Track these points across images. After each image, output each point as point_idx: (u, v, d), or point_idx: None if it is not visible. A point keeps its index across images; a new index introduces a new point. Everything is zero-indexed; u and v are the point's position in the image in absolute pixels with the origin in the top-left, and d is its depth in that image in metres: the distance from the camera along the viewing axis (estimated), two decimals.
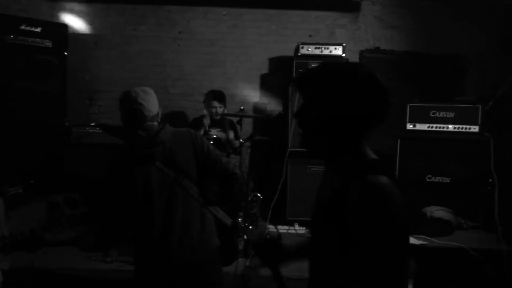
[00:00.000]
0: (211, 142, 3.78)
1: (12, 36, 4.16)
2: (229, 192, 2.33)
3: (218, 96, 4.38)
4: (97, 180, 2.26)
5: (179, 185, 2.11)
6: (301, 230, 4.15)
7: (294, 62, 4.43)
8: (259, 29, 5.14)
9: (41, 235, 2.76)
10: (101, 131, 4.33)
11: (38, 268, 2.96)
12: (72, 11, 5.08)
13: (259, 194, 4.08)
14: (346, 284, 1.13)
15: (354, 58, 5.04)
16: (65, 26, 4.58)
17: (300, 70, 4.35)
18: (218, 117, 4.38)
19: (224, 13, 5.15)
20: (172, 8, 5.15)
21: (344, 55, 4.44)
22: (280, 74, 4.94)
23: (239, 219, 3.64)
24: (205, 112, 4.43)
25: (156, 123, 2.20)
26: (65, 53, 4.49)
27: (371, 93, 1.21)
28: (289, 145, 4.24)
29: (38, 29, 4.30)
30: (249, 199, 3.93)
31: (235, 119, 4.29)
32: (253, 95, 5.14)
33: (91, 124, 4.55)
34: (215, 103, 4.34)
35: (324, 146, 1.28)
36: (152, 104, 2.17)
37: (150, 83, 5.06)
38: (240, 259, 3.24)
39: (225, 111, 4.44)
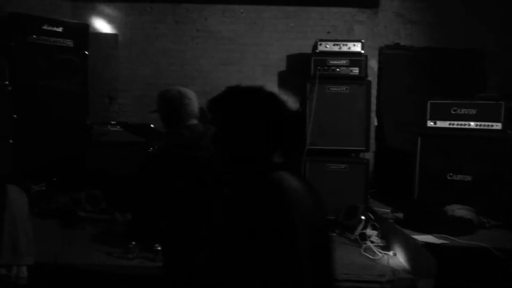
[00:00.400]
0: None
1: (34, 36, 4.25)
2: None
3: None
4: (135, 175, 2.26)
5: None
6: None
7: (312, 59, 4.40)
8: (278, 26, 5.13)
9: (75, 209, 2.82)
10: (121, 129, 4.39)
11: (62, 264, 3.02)
12: (93, 11, 5.16)
13: None
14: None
15: (373, 54, 4.99)
16: (86, 26, 4.66)
17: (319, 67, 4.33)
18: None
19: (242, 10, 5.15)
20: (190, 6, 5.18)
21: (363, 51, 4.39)
22: (298, 72, 4.92)
23: None
24: None
25: (197, 122, 2.19)
26: (86, 52, 4.57)
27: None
28: (307, 143, 4.23)
29: (60, 29, 4.39)
30: None
31: None
32: None
33: (112, 122, 4.62)
34: None
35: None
36: (195, 104, 2.19)
37: (169, 81, 5.15)
38: None
39: None
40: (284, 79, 5.16)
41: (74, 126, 4.47)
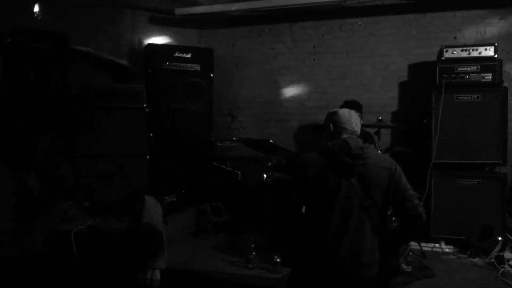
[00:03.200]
0: None
1: (167, 63, 4.73)
2: (408, 233, 2.35)
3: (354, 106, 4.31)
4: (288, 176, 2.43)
5: (363, 208, 2.14)
6: (448, 248, 3.79)
7: (438, 67, 4.13)
8: (397, 35, 4.93)
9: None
10: (242, 144, 4.60)
11: (189, 270, 3.25)
12: (216, 36, 5.56)
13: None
14: None
15: (509, 58, 4.48)
16: (210, 51, 5.04)
17: (445, 75, 4.05)
18: None
19: (359, 23, 5.07)
20: (306, 24, 5.27)
21: (496, 55, 3.99)
22: (422, 81, 4.64)
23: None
24: None
25: (358, 137, 2.33)
26: (211, 75, 4.93)
27: None
28: (433, 156, 3.94)
29: (189, 55, 4.82)
30: (389, 213, 3.74)
31: (372, 130, 4.16)
32: (391, 105, 4.93)
33: (233, 138, 4.88)
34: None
35: None
36: (359, 127, 2.39)
37: (286, 98, 5.28)
38: None
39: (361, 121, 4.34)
40: (405, 90, 4.91)
41: (200, 143, 4.84)
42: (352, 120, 2.35)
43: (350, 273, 2.12)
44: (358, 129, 2.36)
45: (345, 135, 2.30)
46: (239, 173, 4.19)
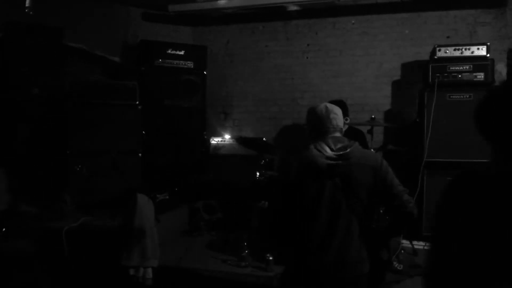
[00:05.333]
0: None
1: (160, 60, 4.71)
2: (399, 229, 2.38)
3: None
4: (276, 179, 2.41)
5: (348, 206, 2.12)
6: None
7: (430, 66, 4.15)
8: (390, 34, 4.95)
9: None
10: (235, 142, 4.60)
11: (181, 268, 3.24)
12: (210, 33, 5.55)
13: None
14: None
15: (501, 57, 4.53)
16: (204, 48, 5.02)
17: (437, 74, 4.06)
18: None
19: (353, 21, 5.08)
20: (300, 23, 5.27)
21: (488, 55, 4.01)
22: (414, 80, 4.67)
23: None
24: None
25: (342, 134, 2.29)
26: (205, 72, 4.91)
27: None
28: (425, 155, 3.96)
29: (182, 52, 4.80)
30: (381, 211, 3.76)
31: (365, 129, 4.17)
32: (384, 103, 4.95)
33: (227, 136, 4.88)
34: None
35: None
36: (340, 119, 2.30)
37: (280, 96, 5.28)
38: None
39: (348, 120, 4.37)
40: (398, 89, 4.94)
41: (193, 140, 4.82)
42: (331, 116, 2.26)
43: (339, 273, 2.10)
44: (340, 123, 2.28)
45: (326, 134, 2.24)
46: (264, 139, 4.13)
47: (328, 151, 2.16)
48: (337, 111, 2.31)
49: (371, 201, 2.17)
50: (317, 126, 2.27)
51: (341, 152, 2.15)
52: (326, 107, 2.29)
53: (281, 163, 2.26)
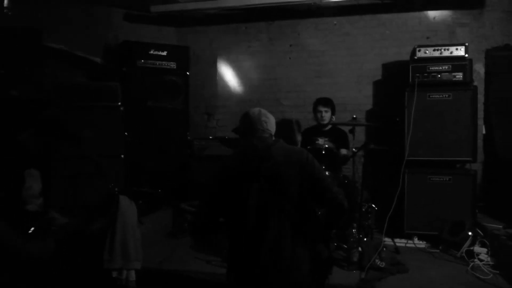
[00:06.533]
0: (323, 152, 3.81)
1: (142, 61, 4.68)
2: (333, 222, 2.38)
3: (323, 101, 4.40)
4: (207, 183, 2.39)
5: (276, 206, 2.08)
6: (420, 244, 3.88)
7: (411, 66, 4.21)
8: (372, 35, 5.01)
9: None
10: (219, 143, 4.59)
11: (165, 269, 3.23)
12: (193, 34, 5.52)
13: (373, 205, 3.94)
14: None
15: (479, 57, 4.62)
16: (186, 48, 5.00)
17: (418, 74, 4.13)
18: (325, 122, 4.37)
19: (335, 22, 5.13)
20: (283, 23, 5.29)
21: (467, 55, 4.09)
22: (395, 80, 4.73)
23: (353, 231, 3.55)
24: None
25: (269, 136, 2.29)
26: (187, 73, 4.89)
27: None
28: (407, 154, 4.02)
29: (164, 53, 4.77)
30: (363, 209, 3.81)
31: (347, 128, 4.21)
32: (365, 103, 5.01)
33: (210, 137, 4.87)
34: (320, 107, 4.38)
35: None
36: (271, 124, 2.33)
37: (263, 96, 5.29)
38: (354, 271, 3.16)
39: (333, 119, 4.41)
40: (380, 89, 5.00)
41: (177, 141, 4.80)
42: (262, 118, 2.28)
43: (274, 280, 2.04)
44: (270, 127, 2.30)
45: (254, 136, 2.24)
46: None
47: (253, 153, 2.16)
48: (270, 117, 2.34)
49: (303, 198, 2.12)
50: (249, 128, 2.28)
51: (265, 153, 2.14)
52: (260, 111, 2.33)
53: (217, 165, 2.25)
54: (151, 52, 4.70)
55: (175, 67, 4.81)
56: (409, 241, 3.94)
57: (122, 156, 4.15)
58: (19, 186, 2.64)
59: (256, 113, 2.31)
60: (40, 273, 2.64)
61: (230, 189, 2.14)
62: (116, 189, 3.64)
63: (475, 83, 4.31)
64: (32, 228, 2.78)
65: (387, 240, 3.77)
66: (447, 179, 4.00)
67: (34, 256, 2.52)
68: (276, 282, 2.04)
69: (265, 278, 2.04)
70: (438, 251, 3.70)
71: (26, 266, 2.54)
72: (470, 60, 4.15)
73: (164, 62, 4.76)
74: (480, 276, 3.04)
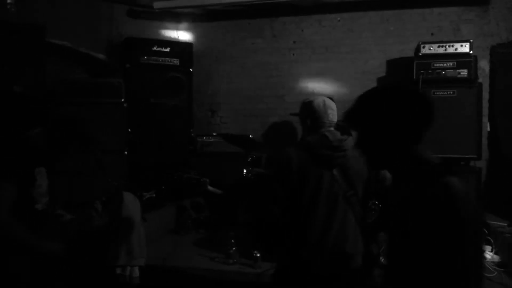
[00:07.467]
0: None
1: (146, 57, 4.67)
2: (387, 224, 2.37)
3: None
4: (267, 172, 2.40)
5: (346, 199, 2.13)
6: None
7: (415, 62, 4.19)
8: (376, 31, 4.98)
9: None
10: (222, 140, 4.59)
11: (168, 266, 3.23)
12: (196, 30, 5.51)
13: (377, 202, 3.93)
14: None
15: (484, 54, 4.59)
16: (190, 45, 4.99)
17: (422, 71, 4.11)
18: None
19: (338, 19, 5.10)
20: (287, 19, 5.27)
21: (471, 52, 4.07)
22: (399, 77, 4.71)
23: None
24: None
25: (336, 128, 2.33)
26: (191, 70, 4.88)
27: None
28: None
29: (167, 49, 4.76)
30: (369, 204, 3.79)
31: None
32: None
33: (214, 134, 4.87)
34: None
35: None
36: (335, 114, 2.36)
37: (267, 93, 5.28)
38: None
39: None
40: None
41: (180, 138, 4.79)
42: (328, 111, 2.31)
43: (335, 265, 2.12)
44: (335, 118, 2.33)
45: (323, 129, 2.28)
46: (207, 180, 4.03)
47: (326, 143, 2.18)
48: (334, 106, 2.36)
49: (366, 194, 2.20)
50: (316, 122, 2.30)
51: (338, 144, 2.18)
52: (324, 102, 2.33)
53: (278, 155, 2.25)
54: (154, 48, 4.69)
55: (178, 64, 4.80)
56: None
57: (125, 152, 4.15)
58: (30, 185, 2.63)
59: (322, 106, 2.31)
60: (54, 270, 2.65)
61: (302, 178, 2.15)
62: (116, 184, 3.64)
63: (480, 80, 4.29)
64: (45, 227, 2.78)
65: None
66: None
67: (50, 255, 2.54)
68: (338, 268, 2.12)
69: (328, 264, 2.11)
70: None
71: (43, 264, 2.55)
72: (475, 57, 4.13)
73: (167, 58, 4.75)
74: (485, 274, 3.03)
